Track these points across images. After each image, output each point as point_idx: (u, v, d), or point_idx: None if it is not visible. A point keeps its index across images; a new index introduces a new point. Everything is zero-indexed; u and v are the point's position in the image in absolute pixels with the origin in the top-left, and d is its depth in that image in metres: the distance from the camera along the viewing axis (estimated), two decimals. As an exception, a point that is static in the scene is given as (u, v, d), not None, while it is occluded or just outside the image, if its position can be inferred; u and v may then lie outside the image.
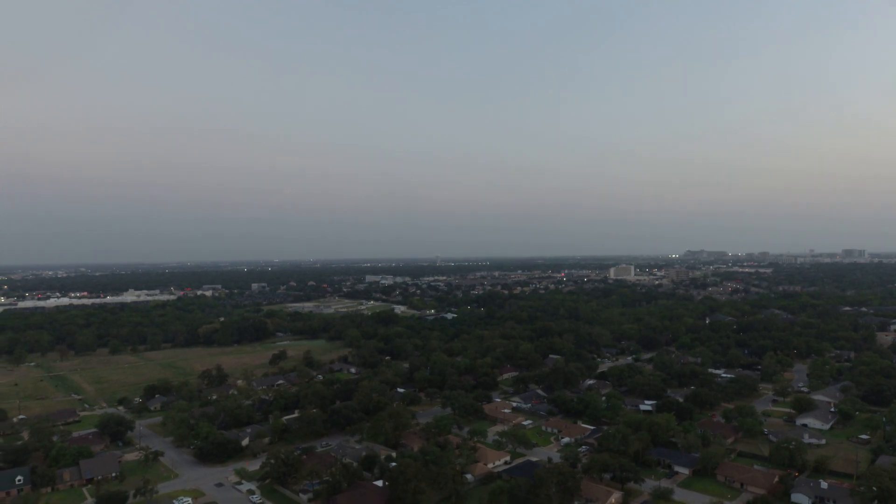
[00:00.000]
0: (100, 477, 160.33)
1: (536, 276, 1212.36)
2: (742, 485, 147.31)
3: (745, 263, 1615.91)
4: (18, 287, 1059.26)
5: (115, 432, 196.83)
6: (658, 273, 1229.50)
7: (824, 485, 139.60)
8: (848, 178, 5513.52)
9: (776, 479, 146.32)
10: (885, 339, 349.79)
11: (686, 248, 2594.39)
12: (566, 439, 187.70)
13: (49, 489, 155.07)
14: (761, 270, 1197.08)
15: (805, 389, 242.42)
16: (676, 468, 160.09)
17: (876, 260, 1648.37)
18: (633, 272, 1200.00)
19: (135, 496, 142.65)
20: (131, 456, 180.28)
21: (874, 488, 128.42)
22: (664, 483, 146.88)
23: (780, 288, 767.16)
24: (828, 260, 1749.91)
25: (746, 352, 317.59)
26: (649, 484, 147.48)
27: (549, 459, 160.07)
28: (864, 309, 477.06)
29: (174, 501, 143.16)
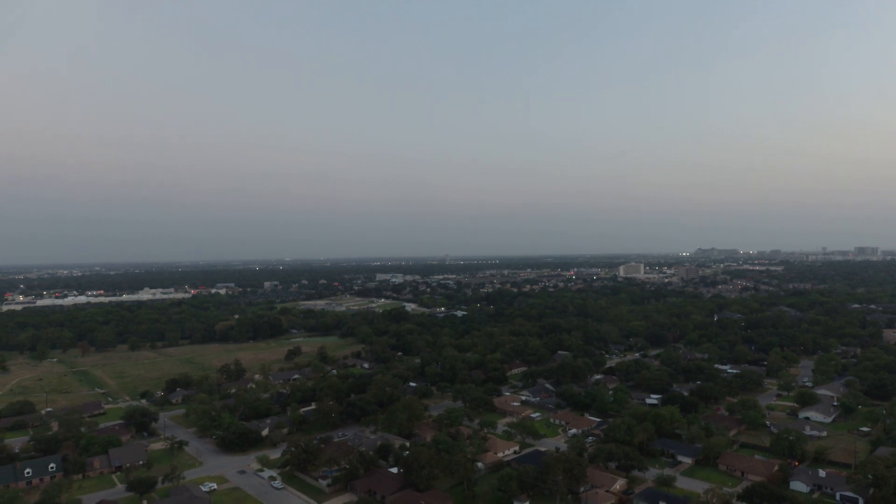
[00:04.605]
0: (128, 464, 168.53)
1: (545, 274, 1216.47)
2: (743, 473, 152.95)
3: (756, 261, 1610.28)
4: (35, 286, 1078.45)
5: (140, 423, 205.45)
6: (668, 271, 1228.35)
7: (822, 473, 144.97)
8: (860, 178, 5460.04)
9: (776, 468, 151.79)
10: (892, 335, 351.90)
11: (697, 246, 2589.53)
12: (573, 431, 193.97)
13: (80, 476, 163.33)
14: (772, 268, 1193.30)
15: (809, 384, 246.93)
16: (680, 458, 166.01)
17: (889, 258, 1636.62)
18: (642, 270, 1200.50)
19: (163, 482, 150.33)
20: (157, 445, 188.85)
21: (869, 476, 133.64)
22: (667, 472, 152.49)
23: (791, 286, 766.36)
24: (840, 258, 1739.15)
25: (753, 348, 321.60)
26: (653, 472, 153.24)
27: (557, 449, 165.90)
28: (872, 306, 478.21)
29: (200, 486, 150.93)
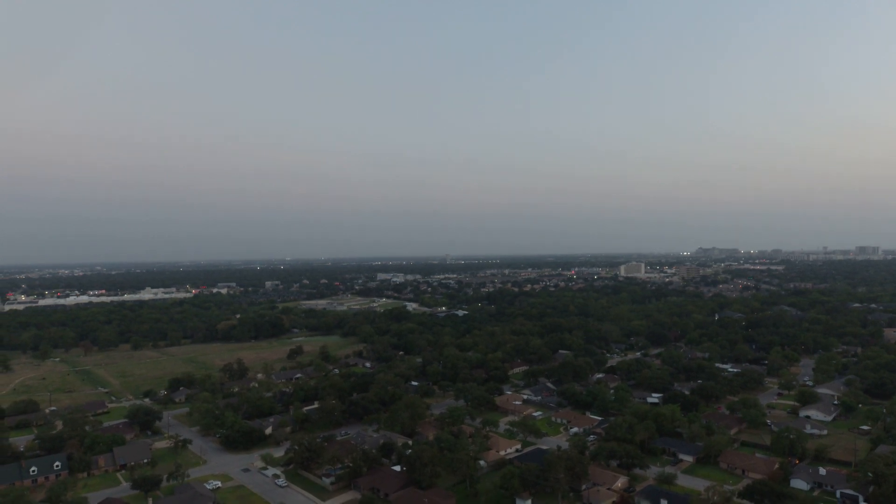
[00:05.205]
0: (133, 463, 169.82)
1: (546, 273, 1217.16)
2: (743, 471, 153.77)
3: (756, 261, 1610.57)
4: (37, 286, 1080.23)
5: (144, 422, 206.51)
6: (669, 270, 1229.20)
7: (822, 471, 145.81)
8: (861, 178, 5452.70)
9: (776, 466, 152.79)
10: (892, 334, 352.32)
11: (698, 245, 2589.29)
12: (575, 429, 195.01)
13: (85, 474, 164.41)
14: (773, 268, 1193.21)
15: (810, 383, 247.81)
16: (681, 456, 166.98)
17: (890, 257, 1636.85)
18: (643, 270, 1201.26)
19: (168, 480, 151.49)
20: (161, 444, 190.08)
21: (869, 474, 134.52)
22: (668, 470, 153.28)
23: (792, 285, 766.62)
24: (841, 257, 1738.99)
25: (754, 347, 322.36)
26: (654, 470, 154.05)
27: (559, 447, 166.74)
28: (873, 305, 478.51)
29: (205, 484, 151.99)
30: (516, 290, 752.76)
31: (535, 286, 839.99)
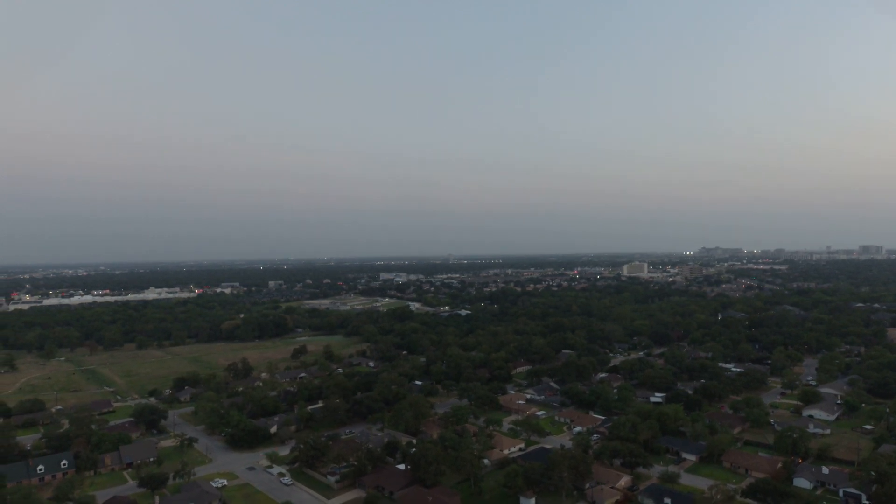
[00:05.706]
0: (139, 461, 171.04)
1: (549, 273, 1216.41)
2: (747, 470, 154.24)
3: (760, 260, 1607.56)
4: (41, 285, 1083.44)
5: (149, 421, 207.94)
6: (672, 270, 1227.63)
7: (825, 470, 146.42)
8: (865, 177, 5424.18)
9: (779, 464, 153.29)
10: (895, 334, 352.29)
11: (701, 245, 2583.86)
12: (578, 428, 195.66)
13: (92, 473, 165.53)
14: (776, 267, 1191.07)
15: (813, 383, 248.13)
16: (684, 455, 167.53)
17: (893, 257, 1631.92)
18: (646, 269, 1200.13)
19: (174, 478, 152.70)
20: (166, 443, 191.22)
21: (872, 473, 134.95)
22: (672, 468, 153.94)
23: (795, 285, 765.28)
24: (844, 257, 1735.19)
25: (757, 347, 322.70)
26: (657, 469, 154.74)
27: (562, 446, 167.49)
28: (876, 305, 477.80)
29: (210, 483, 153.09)
30: (519, 289, 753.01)
31: (538, 286, 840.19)
